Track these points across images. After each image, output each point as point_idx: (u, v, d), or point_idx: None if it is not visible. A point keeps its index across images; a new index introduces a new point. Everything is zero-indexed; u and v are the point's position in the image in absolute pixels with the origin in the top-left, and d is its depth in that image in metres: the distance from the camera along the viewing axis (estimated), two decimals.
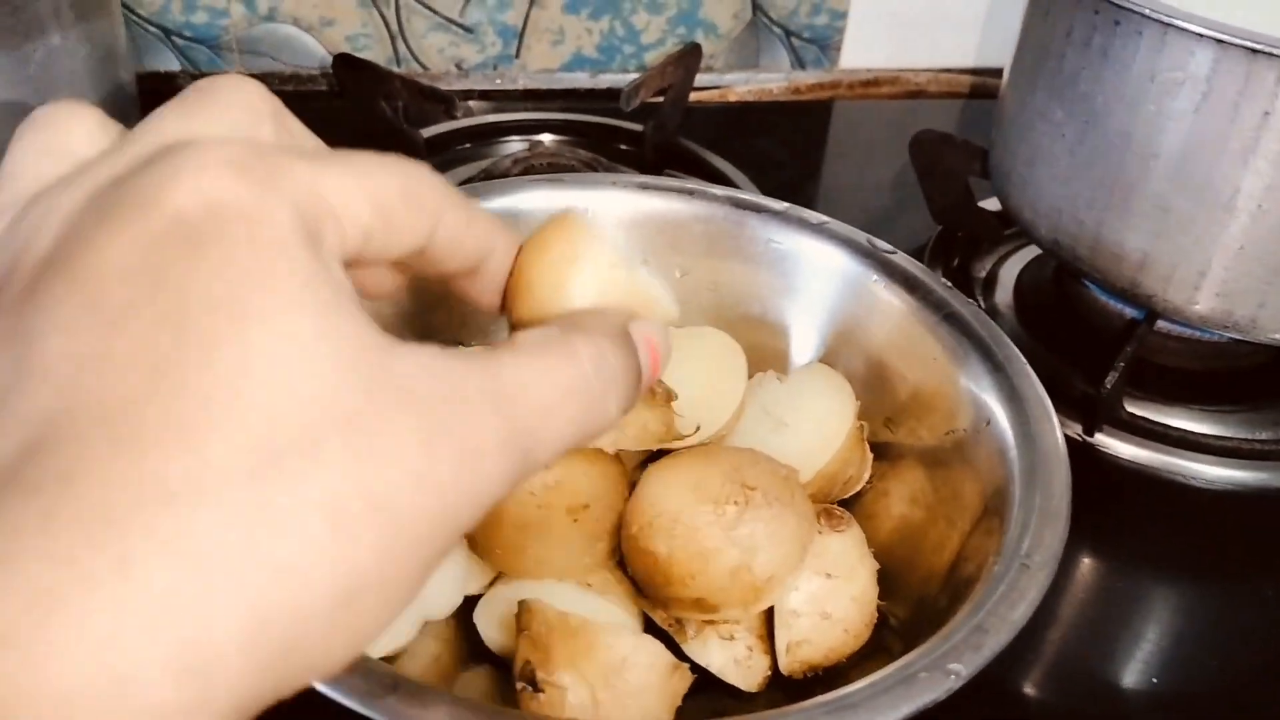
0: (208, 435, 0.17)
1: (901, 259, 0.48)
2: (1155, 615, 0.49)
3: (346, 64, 0.80)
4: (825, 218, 0.50)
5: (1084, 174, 0.55)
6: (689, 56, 0.82)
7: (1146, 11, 0.49)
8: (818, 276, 0.50)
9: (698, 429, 0.42)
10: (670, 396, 0.40)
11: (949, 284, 0.47)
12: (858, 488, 0.46)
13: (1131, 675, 0.46)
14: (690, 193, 0.52)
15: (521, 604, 0.37)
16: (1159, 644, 0.48)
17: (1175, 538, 0.54)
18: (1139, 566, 0.52)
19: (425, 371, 0.20)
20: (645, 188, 0.52)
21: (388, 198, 0.22)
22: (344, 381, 0.18)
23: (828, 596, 0.39)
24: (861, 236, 0.50)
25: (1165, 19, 0.48)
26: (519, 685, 0.35)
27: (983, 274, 0.69)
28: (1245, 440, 0.56)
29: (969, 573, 0.37)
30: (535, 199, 0.51)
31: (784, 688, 0.40)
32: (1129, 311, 0.61)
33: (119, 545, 0.16)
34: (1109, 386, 0.54)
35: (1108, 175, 0.54)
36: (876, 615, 0.41)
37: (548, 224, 0.28)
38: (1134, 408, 0.57)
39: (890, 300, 0.47)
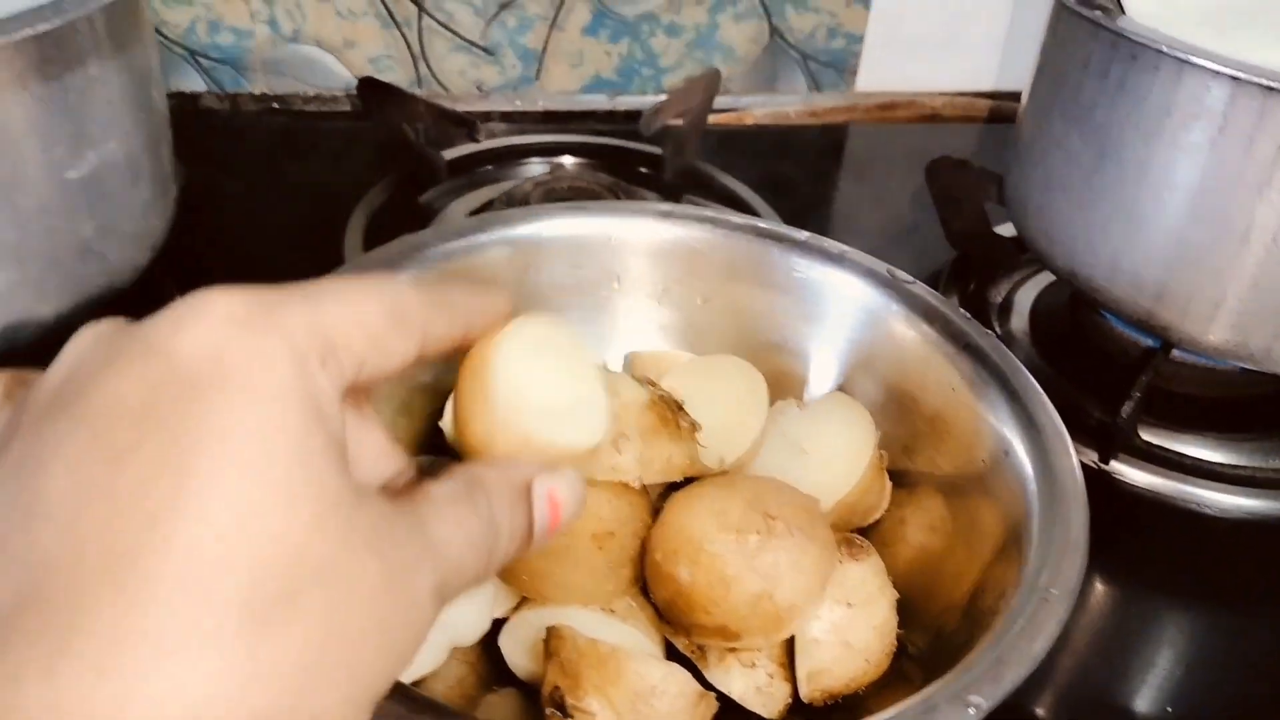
0: (203, 589, 0.18)
1: (921, 289, 0.49)
2: (1170, 643, 0.50)
3: (370, 86, 0.81)
4: (846, 247, 0.51)
5: (1100, 203, 0.56)
6: (708, 80, 0.82)
7: (1162, 47, 0.50)
8: (838, 306, 0.50)
9: (721, 462, 0.43)
10: (695, 429, 0.40)
11: (968, 315, 0.47)
12: (876, 516, 0.47)
13: (1146, 703, 0.46)
14: (712, 221, 0.53)
15: (551, 630, 0.37)
16: (1174, 672, 0.48)
17: (1189, 565, 0.54)
18: (1153, 594, 0.52)
19: (384, 522, 0.22)
20: (667, 216, 0.53)
21: (377, 324, 0.24)
22: (322, 533, 0.20)
23: (848, 625, 0.39)
24: (881, 266, 0.50)
25: (1181, 55, 0.49)
26: (548, 710, 0.36)
27: (999, 299, 0.70)
28: (1260, 468, 0.57)
29: (988, 603, 0.38)
30: (559, 226, 0.52)
31: (804, 715, 0.40)
32: (1144, 340, 0.61)
33: (120, 698, 0.17)
34: (1124, 415, 0.55)
35: (1124, 205, 0.54)
36: (896, 644, 0.41)
37: (492, 374, 0.29)
38: (1149, 435, 0.57)
39: (909, 330, 0.48)
